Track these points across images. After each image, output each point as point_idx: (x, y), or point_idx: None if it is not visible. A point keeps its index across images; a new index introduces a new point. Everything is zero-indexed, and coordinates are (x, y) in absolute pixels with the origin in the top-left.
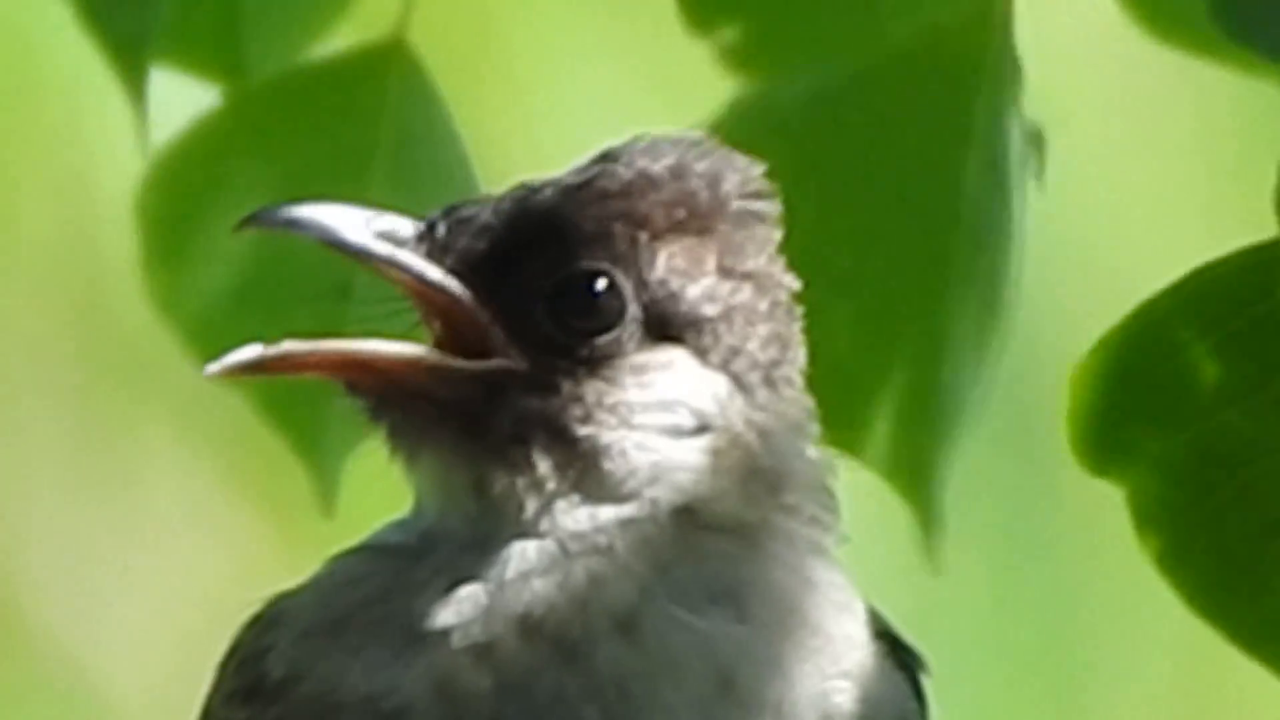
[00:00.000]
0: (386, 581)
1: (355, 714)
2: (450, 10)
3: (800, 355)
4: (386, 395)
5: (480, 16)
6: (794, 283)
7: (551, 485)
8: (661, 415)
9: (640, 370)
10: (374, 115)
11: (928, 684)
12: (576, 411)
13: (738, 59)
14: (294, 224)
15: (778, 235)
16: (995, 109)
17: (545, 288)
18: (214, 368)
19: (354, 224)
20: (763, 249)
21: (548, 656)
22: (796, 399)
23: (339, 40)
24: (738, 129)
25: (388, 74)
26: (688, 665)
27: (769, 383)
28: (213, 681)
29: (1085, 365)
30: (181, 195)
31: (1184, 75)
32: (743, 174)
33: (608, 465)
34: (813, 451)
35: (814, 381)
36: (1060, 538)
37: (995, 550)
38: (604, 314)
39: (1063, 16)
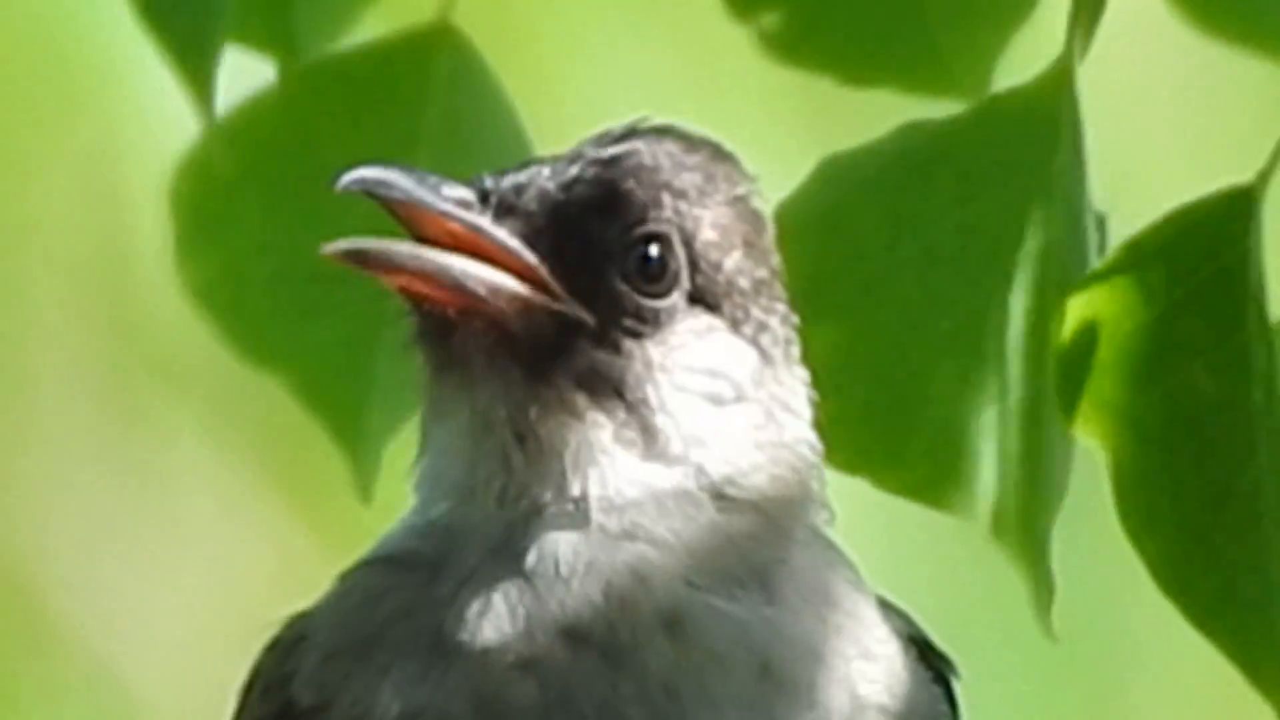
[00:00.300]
0: (408, 596)
1: None
2: None
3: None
4: (464, 317)
5: None
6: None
7: (605, 437)
8: (707, 382)
9: (690, 335)
10: (421, 97)
11: (959, 689)
12: (638, 371)
13: (779, 45)
14: (381, 186)
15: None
16: (1071, 163)
17: (612, 249)
18: (328, 249)
19: (431, 189)
20: (769, 234)
21: (595, 663)
22: (804, 379)
23: (385, 23)
24: (826, 193)
25: (435, 56)
26: (730, 656)
27: (788, 359)
28: (236, 708)
29: (1071, 314)
30: (216, 182)
31: (1229, 67)
32: (743, 166)
33: (660, 424)
34: (811, 431)
35: (922, 444)
36: (1099, 533)
37: None
38: (665, 277)
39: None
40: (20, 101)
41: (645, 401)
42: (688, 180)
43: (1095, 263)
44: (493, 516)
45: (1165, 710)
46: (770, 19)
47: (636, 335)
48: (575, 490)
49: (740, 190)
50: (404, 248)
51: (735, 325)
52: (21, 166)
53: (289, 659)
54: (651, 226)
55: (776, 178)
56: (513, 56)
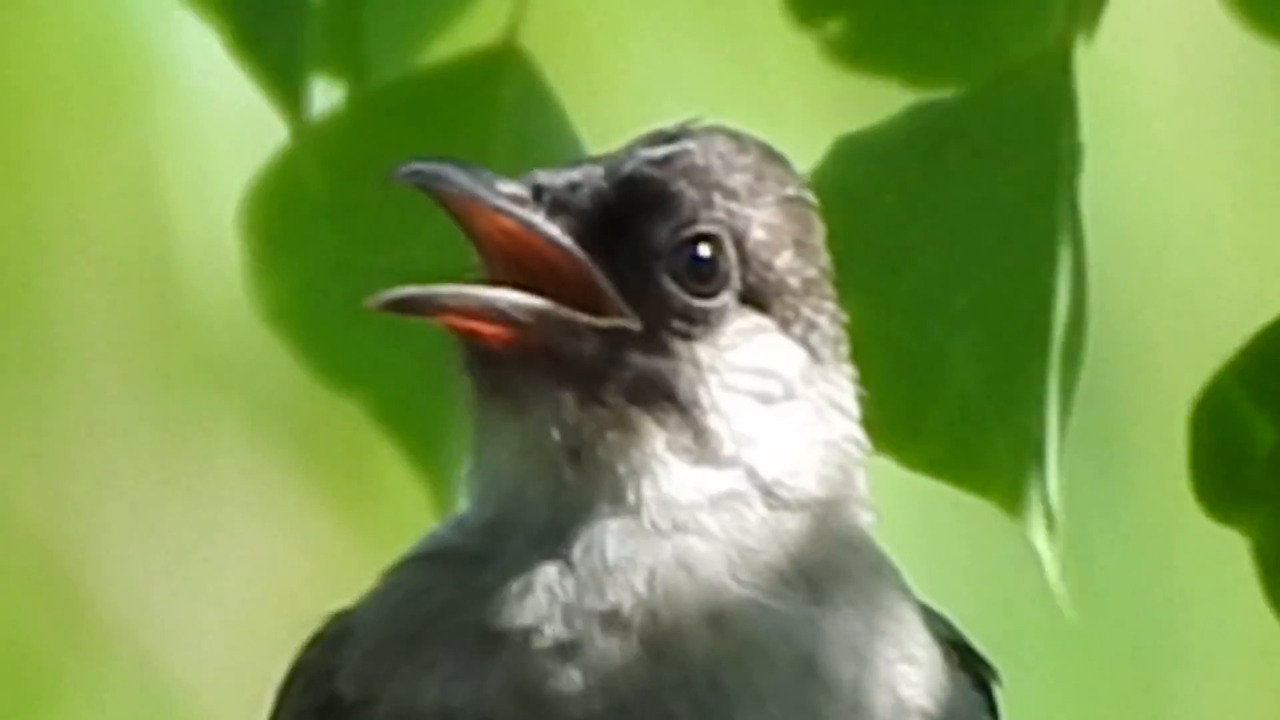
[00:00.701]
0: (453, 590)
1: None
2: (562, 13)
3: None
4: (511, 348)
5: (591, 19)
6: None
7: (659, 446)
8: (757, 381)
9: (739, 335)
10: (489, 118)
11: (1000, 695)
12: (689, 373)
13: (843, 53)
14: (437, 180)
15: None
16: (1079, 144)
17: (663, 249)
18: (371, 303)
19: (486, 184)
20: (819, 233)
21: (637, 652)
22: (851, 377)
23: (452, 45)
24: (842, 172)
25: (501, 77)
26: (774, 650)
27: (837, 358)
28: (276, 702)
29: (1203, 403)
30: (290, 206)
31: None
32: (793, 167)
33: (713, 425)
34: (859, 430)
35: (940, 420)
36: (1139, 533)
37: (1074, 547)
38: (715, 277)
39: (1157, 13)
40: (67, 104)
41: (697, 403)
42: (739, 180)
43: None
44: (540, 514)
45: (1206, 708)
46: (834, 25)
47: (686, 336)
48: (630, 498)
49: (790, 190)
50: (447, 290)
51: (785, 325)
52: (67, 168)
53: (334, 654)
54: (702, 227)
55: None
56: (581, 72)
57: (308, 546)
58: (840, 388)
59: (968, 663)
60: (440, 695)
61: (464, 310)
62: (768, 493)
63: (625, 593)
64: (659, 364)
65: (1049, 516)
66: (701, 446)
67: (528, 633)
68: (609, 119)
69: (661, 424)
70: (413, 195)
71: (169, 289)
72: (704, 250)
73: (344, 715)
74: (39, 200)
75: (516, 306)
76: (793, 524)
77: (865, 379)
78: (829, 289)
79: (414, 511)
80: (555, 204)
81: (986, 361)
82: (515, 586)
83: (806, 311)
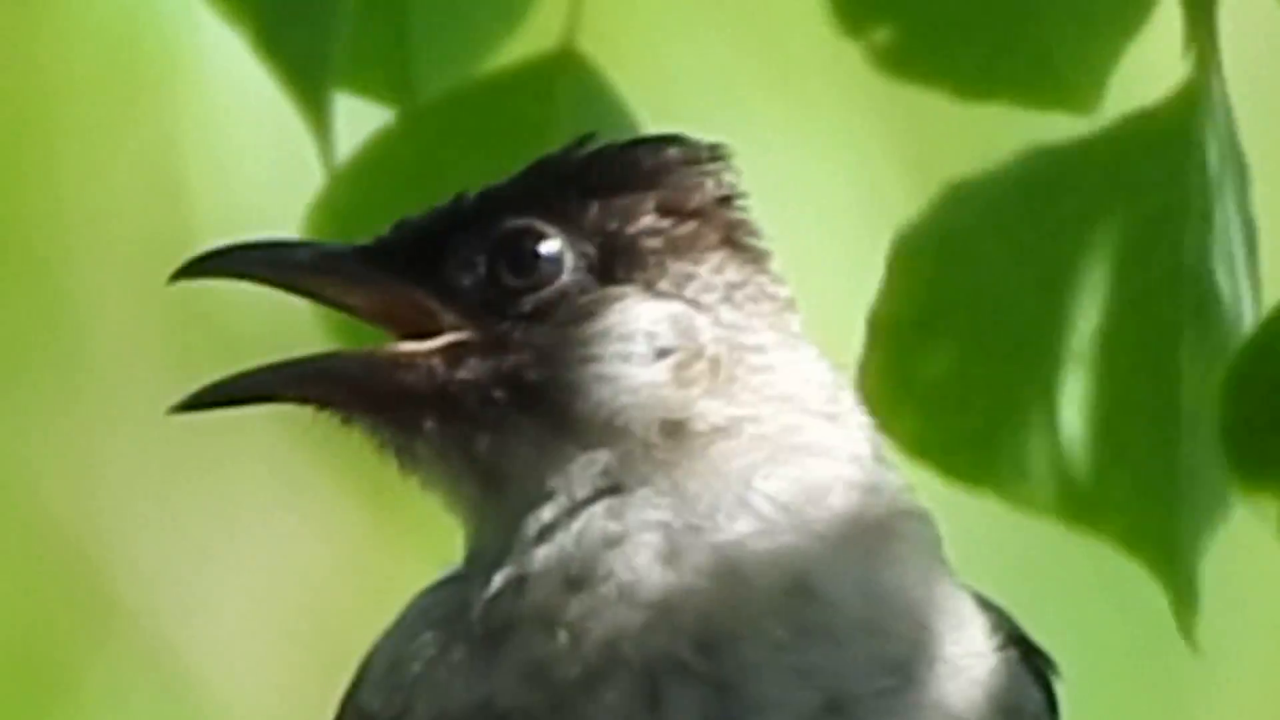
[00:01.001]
0: (460, 600)
1: None
2: (618, 17)
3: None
4: (362, 403)
5: (647, 23)
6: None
7: (535, 435)
8: (617, 345)
9: (589, 311)
10: (547, 124)
11: (1061, 690)
12: (527, 358)
13: (889, 61)
14: (231, 264)
15: (729, 180)
16: (1206, 183)
17: (479, 255)
18: (174, 407)
19: (287, 256)
20: (709, 193)
21: (643, 620)
22: (773, 311)
23: (509, 53)
24: (948, 219)
25: (558, 83)
26: (760, 576)
27: (730, 301)
28: None
29: (1235, 372)
30: (354, 217)
31: None
32: (677, 137)
33: (574, 401)
34: (801, 353)
35: (1048, 461)
36: None
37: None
38: (541, 266)
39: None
40: (91, 96)
41: (549, 384)
42: (580, 165)
43: (1246, 281)
44: (491, 528)
45: (1231, 704)
46: (880, 34)
47: (523, 329)
48: (543, 486)
49: (662, 159)
50: (258, 375)
51: (649, 286)
52: (92, 161)
53: (362, 671)
54: (511, 221)
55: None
56: (638, 76)
57: (332, 536)
58: (745, 328)
59: (1028, 657)
60: (468, 692)
61: (289, 383)
62: (669, 431)
63: (597, 563)
64: (500, 360)
65: (1177, 556)
66: (573, 420)
67: (528, 621)
68: (668, 122)
69: (525, 414)
70: None
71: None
72: (529, 239)
73: None
74: (64, 193)
75: (339, 361)
76: (715, 448)
77: (967, 420)
78: (718, 240)
79: (434, 502)
80: (377, 248)
81: (1101, 403)
82: (512, 580)
83: (679, 267)
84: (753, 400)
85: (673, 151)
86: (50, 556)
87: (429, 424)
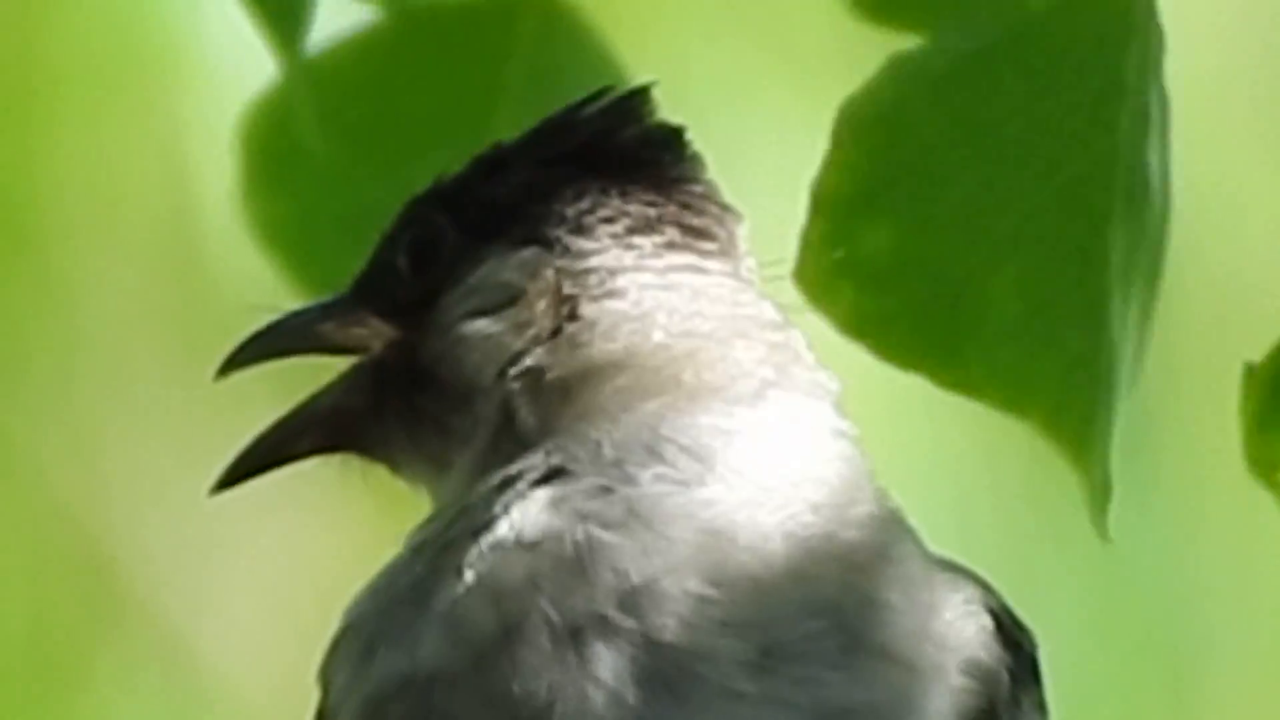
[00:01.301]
0: (402, 565)
1: (428, 688)
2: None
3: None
4: (340, 434)
5: (672, 20)
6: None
7: (436, 412)
8: (469, 302)
9: (461, 278)
10: (503, 53)
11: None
12: (418, 340)
13: (869, 9)
14: (258, 350)
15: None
16: (1143, 65)
17: (400, 258)
18: (213, 493)
19: (299, 323)
20: (583, 132)
21: (553, 570)
22: (623, 235)
23: None
24: (892, 92)
25: (523, 16)
26: (673, 524)
27: (580, 230)
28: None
29: (1262, 370)
30: (290, 120)
31: None
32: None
33: (444, 368)
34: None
35: (981, 344)
36: (1172, 507)
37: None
38: (429, 249)
39: None
40: (94, 79)
41: (429, 363)
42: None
43: (1156, 157)
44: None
45: (1240, 687)
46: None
47: (423, 318)
48: (462, 456)
49: (557, 117)
50: (257, 447)
51: (509, 236)
52: (94, 147)
53: (332, 646)
54: (400, 217)
55: None
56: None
57: (342, 525)
58: (595, 254)
59: (1004, 629)
60: (382, 667)
61: (276, 446)
62: (531, 379)
63: (500, 523)
64: (403, 353)
65: (1095, 444)
66: (451, 388)
67: (456, 579)
68: (644, 63)
69: (423, 392)
70: (419, 124)
71: (197, 263)
72: (417, 233)
73: (327, 702)
74: (67, 175)
75: (302, 408)
76: (584, 387)
77: (904, 299)
78: (570, 175)
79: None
80: (357, 283)
81: (1033, 285)
82: (440, 550)
83: (533, 209)
84: (612, 331)
85: (570, 106)
86: (59, 545)
87: (391, 436)
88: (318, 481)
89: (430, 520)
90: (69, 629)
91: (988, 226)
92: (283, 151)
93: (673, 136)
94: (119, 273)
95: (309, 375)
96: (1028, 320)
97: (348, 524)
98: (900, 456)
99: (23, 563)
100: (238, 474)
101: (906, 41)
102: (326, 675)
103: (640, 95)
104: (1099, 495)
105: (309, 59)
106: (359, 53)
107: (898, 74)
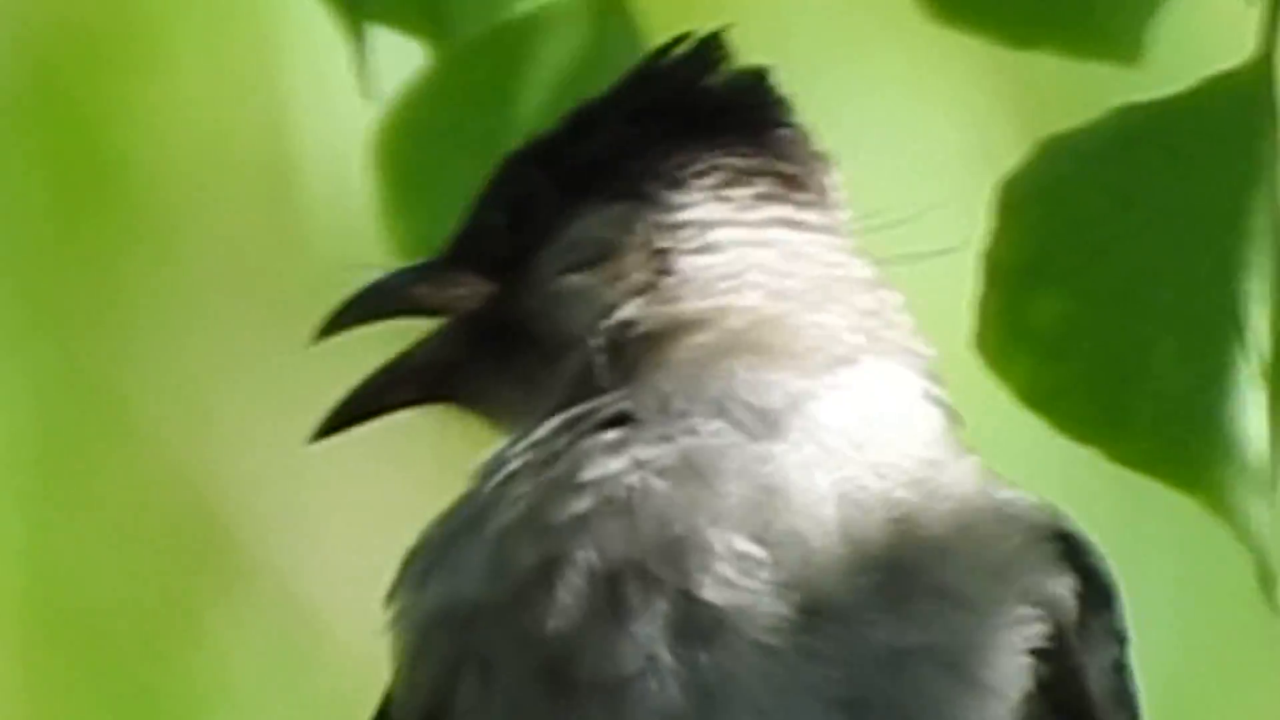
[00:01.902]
0: (460, 501)
1: (477, 619)
2: None
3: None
4: (436, 386)
5: None
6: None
7: (523, 367)
8: (564, 258)
9: (556, 234)
10: (585, 65)
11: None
12: (510, 298)
13: (937, 6)
14: (357, 313)
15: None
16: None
17: (497, 216)
18: (311, 442)
19: (392, 285)
20: (646, 92)
21: (607, 514)
22: (716, 188)
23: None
24: (1048, 169)
25: (596, 25)
26: (728, 479)
27: (673, 184)
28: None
29: None
30: (416, 143)
31: None
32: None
33: (539, 326)
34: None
35: (1145, 417)
36: None
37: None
38: (524, 207)
39: None
40: (190, 22)
41: (526, 321)
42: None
43: None
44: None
45: None
46: None
47: (519, 273)
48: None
49: (641, 69)
50: (363, 395)
51: (606, 191)
52: (191, 88)
53: (398, 572)
54: (493, 173)
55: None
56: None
57: (451, 481)
58: (689, 207)
59: (1070, 554)
60: (430, 597)
61: (394, 392)
62: (622, 333)
63: (560, 464)
64: (501, 309)
65: (1262, 524)
66: (541, 342)
67: (499, 516)
68: None
69: (518, 345)
70: (514, 138)
71: (298, 219)
72: (504, 183)
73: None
74: (170, 128)
75: (405, 357)
76: (672, 350)
77: (1073, 371)
78: (662, 132)
79: None
80: (447, 247)
81: (1191, 360)
82: (490, 483)
83: (631, 166)
84: (706, 288)
85: (650, 57)
86: (171, 503)
87: (488, 389)
88: (420, 427)
89: (497, 452)
90: (181, 587)
91: (1149, 300)
92: (413, 170)
93: (758, 80)
94: (223, 231)
95: (410, 326)
96: (1188, 397)
97: (451, 475)
98: None
99: (135, 520)
100: (336, 423)
101: (973, 41)
102: (390, 600)
103: (716, 39)
104: (1268, 573)
105: (401, 95)
106: (441, 79)
107: (1051, 153)
